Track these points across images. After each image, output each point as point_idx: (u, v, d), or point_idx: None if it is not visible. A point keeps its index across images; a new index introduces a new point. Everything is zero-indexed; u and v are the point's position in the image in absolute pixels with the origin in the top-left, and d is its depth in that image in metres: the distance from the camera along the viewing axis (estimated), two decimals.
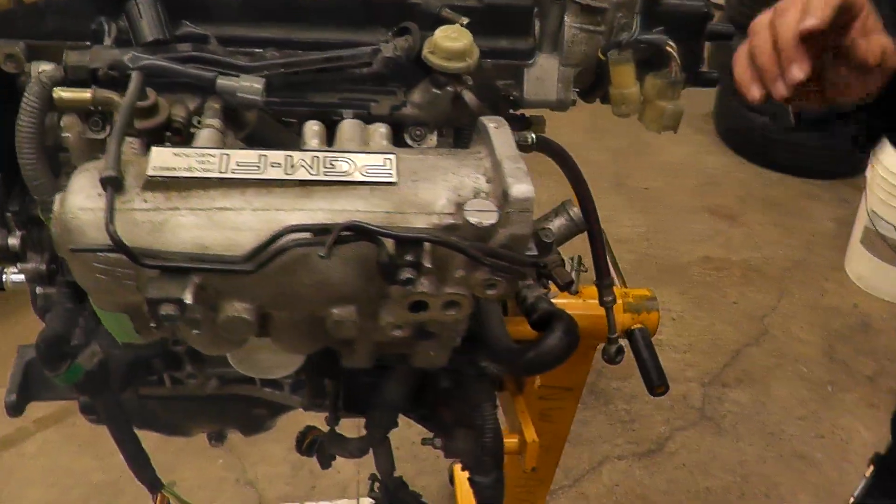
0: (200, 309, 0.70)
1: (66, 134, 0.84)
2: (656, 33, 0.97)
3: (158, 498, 1.14)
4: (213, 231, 0.69)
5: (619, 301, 1.25)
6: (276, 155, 0.74)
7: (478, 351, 1.03)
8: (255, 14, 0.90)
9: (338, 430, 1.27)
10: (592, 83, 1.05)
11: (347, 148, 0.77)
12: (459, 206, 0.73)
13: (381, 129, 0.81)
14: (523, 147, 1.04)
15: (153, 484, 1.13)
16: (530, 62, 1.01)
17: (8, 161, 0.82)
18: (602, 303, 1.15)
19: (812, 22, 0.78)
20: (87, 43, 0.86)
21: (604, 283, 1.15)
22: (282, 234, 0.68)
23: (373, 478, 1.37)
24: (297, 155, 0.74)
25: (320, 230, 0.68)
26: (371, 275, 0.73)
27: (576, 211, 1.10)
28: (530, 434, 1.23)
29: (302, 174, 0.72)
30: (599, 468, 2.50)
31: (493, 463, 1.07)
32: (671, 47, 0.96)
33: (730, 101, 4.15)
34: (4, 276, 0.94)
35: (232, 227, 0.69)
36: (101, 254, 0.67)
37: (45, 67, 0.84)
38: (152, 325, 0.69)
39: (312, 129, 0.80)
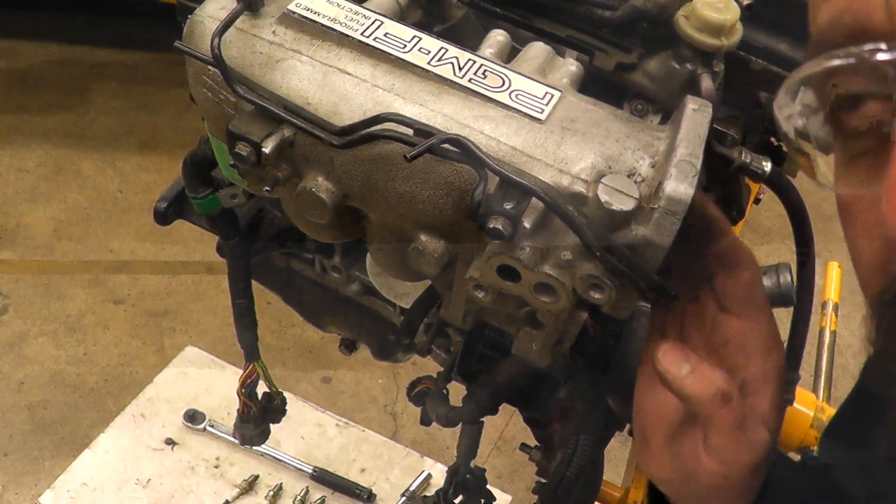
0: (282, 166, 0.63)
1: None
2: None
3: (249, 368, 1.12)
4: (322, 90, 0.61)
5: (811, 412, 1.01)
6: (431, 43, 0.63)
7: (601, 375, 0.87)
8: None
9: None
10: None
11: (520, 69, 0.64)
12: (601, 178, 0.58)
13: (570, 66, 0.68)
14: (753, 175, 0.84)
15: (250, 352, 1.11)
16: None
17: None
18: None
19: None
20: None
21: (787, 377, 0.92)
22: (379, 120, 0.58)
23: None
24: (452, 51, 0.63)
25: (422, 131, 0.57)
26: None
27: (787, 279, 0.88)
28: (637, 495, 1.04)
29: (445, 71, 0.62)
30: None
31: (560, 499, 0.91)
32: None
33: None
34: None
35: (343, 93, 0.61)
36: (205, 65, 0.61)
37: None
38: (230, 162, 0.63)
39: (496, 37, 0.68)
